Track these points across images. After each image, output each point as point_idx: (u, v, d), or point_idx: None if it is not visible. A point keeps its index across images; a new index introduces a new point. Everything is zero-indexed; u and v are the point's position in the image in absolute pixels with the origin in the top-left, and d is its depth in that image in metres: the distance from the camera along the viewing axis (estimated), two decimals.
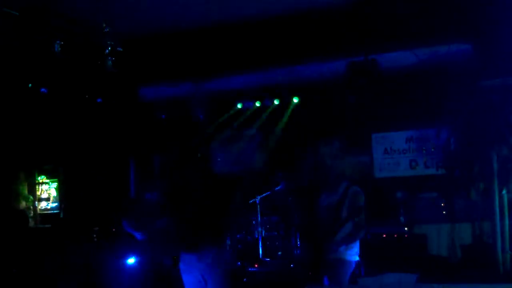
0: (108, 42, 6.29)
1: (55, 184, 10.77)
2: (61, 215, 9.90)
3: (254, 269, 7.53)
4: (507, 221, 6.40)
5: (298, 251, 7.93)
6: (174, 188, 5.43)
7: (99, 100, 8.42)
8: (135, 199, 8.66)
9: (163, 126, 9.55)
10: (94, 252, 8.12)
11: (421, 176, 8.57)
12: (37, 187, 10.87)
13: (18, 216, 9.56)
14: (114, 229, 8.38)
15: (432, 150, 8.52)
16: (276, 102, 9.24)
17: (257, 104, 9.35)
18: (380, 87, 7.14)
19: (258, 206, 8.02)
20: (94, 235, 8.71)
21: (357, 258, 5.28)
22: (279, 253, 8.12)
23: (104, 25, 6.08)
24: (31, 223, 10.44)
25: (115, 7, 6.07)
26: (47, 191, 10.81)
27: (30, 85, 7.53)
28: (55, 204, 10.71)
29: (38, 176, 10.89)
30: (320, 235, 5.31)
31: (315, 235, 5.40)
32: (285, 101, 9.22)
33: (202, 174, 5.27)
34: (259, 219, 8.06)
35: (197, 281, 4.73)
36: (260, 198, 8.02)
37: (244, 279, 6.83)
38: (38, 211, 10.77)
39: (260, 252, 8.00)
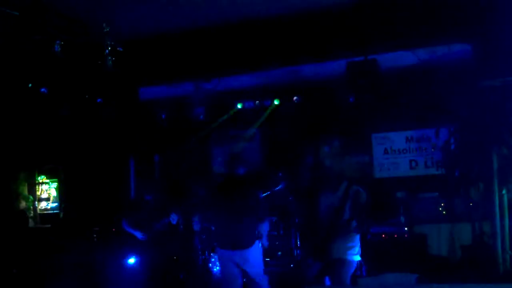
0: (108, 42, 6.28)
1: (55, 184, 10.77)
2: (61, 215, 9.90)
3: None
4: (507, 221, 6.40)
5: (298, 251, 7.93)
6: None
7: (99, 100, 8.42)
8: (135, 200, 8.64)
9: (163, 126, 9.56)
10: (94, 252, 8.12)
11: (421, 176, 8.57)
12: (37, 187, 10.87)
13: (18, 216, 9.57)
14: (114, 229, 8.37)
15: (432, 150, 8.53)
16: (276, 102, 9.24)
17: (257, 104, 9.35)
18: (380, 87, 7.14)
19: None
20: (94, 235, 8.71)
21: (358, 258, 5.29)
22: (279, 253, 8.12)
23: (104, 25, 6.07)
24: (31, 223, 10.44)
25: (115, 7, 6.07)
26: (47, 191, 10.81)
27: (30, 85, 7.53)
28: (55, 204, 10.71)
29: (38, 176, 10.90)
30: (322, 235, 5.31)
31: (316, 235, 5.41)
32: (285, 101, 9.22)
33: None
34: None
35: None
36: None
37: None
38: (38, 211, 10.77)
39: None
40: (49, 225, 10.21)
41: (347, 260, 5.20)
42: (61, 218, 9.89)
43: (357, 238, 5.31)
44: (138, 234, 6.99)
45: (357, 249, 5.28)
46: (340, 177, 5.37)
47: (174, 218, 6.88)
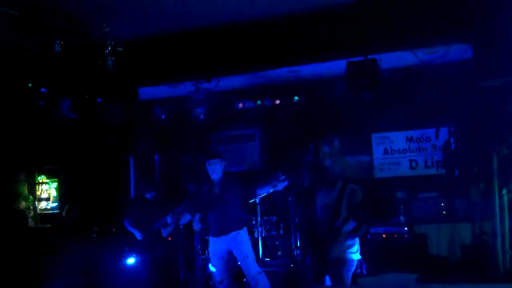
0: (108, 42, 6.28)
1: (55, 184, 10.78)
2: (63, 215, 9.90)
3: None
4: (507, 221, 6.40)
5: (298, 251, 7.93)
6: None
7: (99, 100, 8.42)
8: (136, 198, 8.64)
9: (163, 126, 9.55)
10: (94, 252, 8.13)
11: (421, 176, 8.58)
12: (37, 187, 10.88)
13: (17, 216, 9.58)
14: (114, 229, 8.38)
15: (432, 150, 8.53)
16: (276, 102, 9.23)
17: (257, 104, 9.35)
18: (380, 87, 7.14)
19: (258, 206, 8.01)
20: (94, 235, 8.72)
21: (358, 257, 5.29)
22: (279, 253, 8.12)
23: (104, 25, 6.08)
24: (31, 223, 10.45)
25: (115, 7, 6.07)
26: (47, 191, 10.82)
27: (30, 85, 7.52)
28: (55, 204, 10.72)
29: (38, 176, 10.90)
30: (320, 234, 5.32)
31: (315, 234, 5.41)
32: (285, 101, 9.22)
33: None
34: (259, 219, 8.05)
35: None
36: (260, 198, 8.01)
37: (244, 279, 6.84)
38: (38, 211, 10.78)
39: (260, 252, 8.00)
40: (49, 225, 10.22)
41: (346, 259, 5.21)
42: (63, 218, 9.89)
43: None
44: (137, 234, 6.99)
45: (356, 247, 5.28)
46: (336, 175, 5.39)
47: (169, 219, 6.88)
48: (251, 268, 6.35)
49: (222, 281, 6.38)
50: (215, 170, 6.41)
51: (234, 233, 6.34)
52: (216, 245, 6.43)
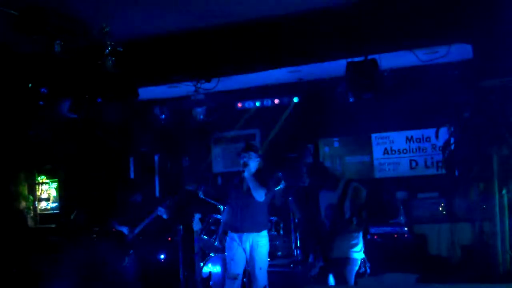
0: (108, 42, 6.28)
1: (55, 184, 10.78)
2: (72, 218, 9.87)
3: None
4: (507, 221, 6.39)
5: (298, 251, 7.93)
6: None
7: (99, 100, 8.41)
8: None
9: (163, 126, 9.56)
10: (94, 252, 8.12)
11: (421, 176, 8.58)
12: (37, 187, 10.87)
13: (16, 216, 9.57)
14: (114, 229, 8.37)
15: (432, 150, 8.54)
16: (276, 102, 9.24)
17: (257, 104, 9.35)
18: (380, 87, 7.13)
19: None
20: (94, 235, 8.72)
21: (362, 256, 5.30)
22: (279, 253, 8.12)
23: (104, 25, 6.08)
24: (31, 223, 10.45)
25: (115, 7, 6.06)
26: (47, 191, 10.81)
27: (30, 85, 7.52)
28: (55, 204, 10.71)
29: (38, 176, 10.90)
30: (323, 234, 5.32)
31: (318, 234, 5.42)
32: (285, 101, 9.22)
33: None
34: None
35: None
36: None
37: (245, 279, 6.84)
38: (38, 211, 10.78)
39: None
40: (49, 225, 10.21)
41: (350, 258, 5.22)
42: (64, 219, 9.88)
43: (359, 236, 5.32)
44: (125, 230, 6.97)
45: (360, 246, 5.29)
46: (339, 175, 5.41)
47: (161, 211, 6.86)
48: (260, 281, 6.19)
49: (236, 275, 6.24)
50: (247, 164, 6.19)
51: (251, 234, 6.20)
52: (232, 240, 6.34)
